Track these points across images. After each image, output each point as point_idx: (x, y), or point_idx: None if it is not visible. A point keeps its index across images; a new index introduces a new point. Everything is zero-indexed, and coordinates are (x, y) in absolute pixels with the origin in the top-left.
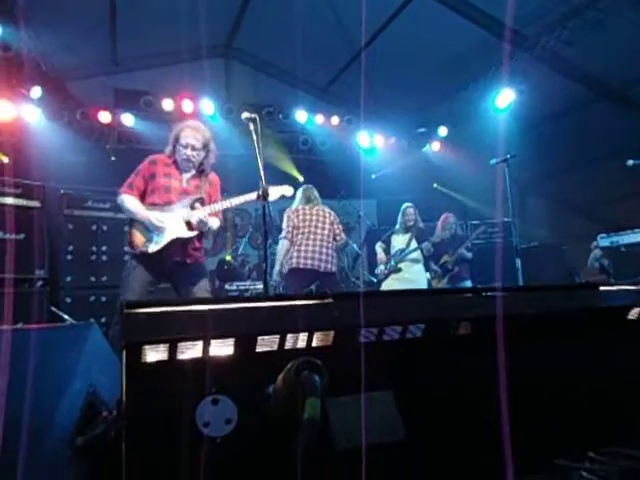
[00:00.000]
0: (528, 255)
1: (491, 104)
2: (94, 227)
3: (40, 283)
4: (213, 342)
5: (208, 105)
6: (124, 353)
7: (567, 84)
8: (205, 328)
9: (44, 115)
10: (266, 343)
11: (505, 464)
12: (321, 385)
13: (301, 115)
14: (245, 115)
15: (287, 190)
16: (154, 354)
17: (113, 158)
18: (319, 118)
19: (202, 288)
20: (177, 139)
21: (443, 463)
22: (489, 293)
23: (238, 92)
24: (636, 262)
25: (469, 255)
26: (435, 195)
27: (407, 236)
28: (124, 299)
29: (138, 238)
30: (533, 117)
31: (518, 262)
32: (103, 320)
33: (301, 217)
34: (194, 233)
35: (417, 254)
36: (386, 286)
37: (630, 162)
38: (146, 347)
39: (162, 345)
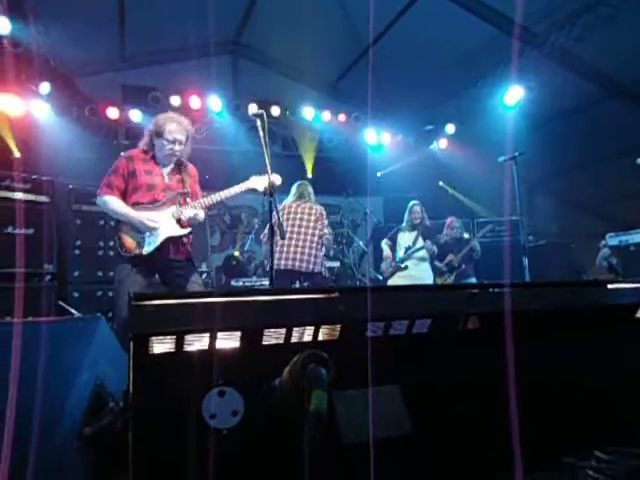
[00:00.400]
0: (536, 253)
1: (499, 101)
2: (101, 222)
3: (49, 277)
4: (220, 335)
5: (215, 102)
6: (131, 344)
7: (577, 81)
8: (212, 320)
9: (53, 111)
10: (272, 336)
11: (512, 461)
12: (327, 378)
13: (308, 112)
14: (252, 111)
15: (275, 179)
16: (161, 346)
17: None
18: (326, 115)
19: (195, 283)
20: (160, 134)
21: (449, 458)
22: (497, 289)
23: (245, 89)
24: None
25: (478, 247)
26: (442, 193)
27: (414, 234)
28: (121, 312)
29: (129, 241)
30: (542, 115)
31: (525, 260)
32: (110, 314)
33: (286, 216)
34: (187, 230)
35: (424, 252)
36: (392, 283)
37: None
38: (153, 339)
39: (169, 337)
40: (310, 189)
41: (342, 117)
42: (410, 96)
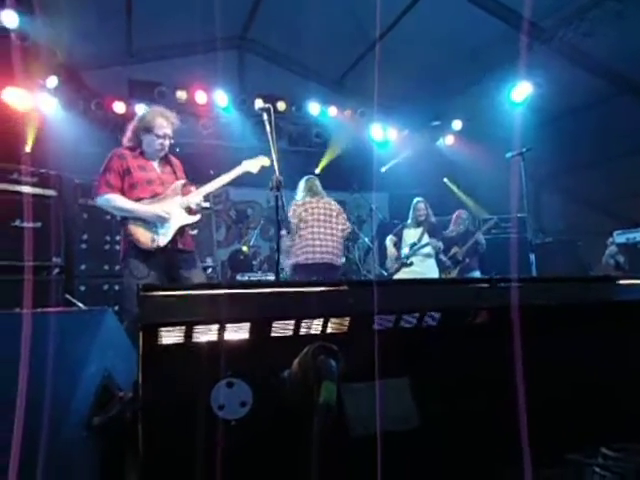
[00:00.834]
0: (542, 251)
1: (507, 97)
2: (108, 217)
3: (57, 271)
4: (229, 326)
5: (221, 97)
6: (140, 335)
7: (587, 77)
8: (221, 312)
9: (60, 105)
10: (281, 328)
11: (519, 456)
12: (337, 370)
13: (314, 107)
14: (259, 105)
15: (264, 160)
16: (170, 336)
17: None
18: (332, 110)
19: (198, 276)
20: (149, 129)
21: (457, 452)
22: (506, 283)
23: (252, 84)
24: None
25: (483, 241)
26: (448, 189)
27: (419, 230)
28: (133, 308)
29: (143, 235)
30: (551, 111)
31: (532, 257)
32: (116, 308)
33: (309, 210)
34: (197, 217)
35: (429, 249)
36: None
37: None
38: (162, 329)
39: (178, 328)
40: (318, 184)
41: (348, 112)
42: (417, 92)
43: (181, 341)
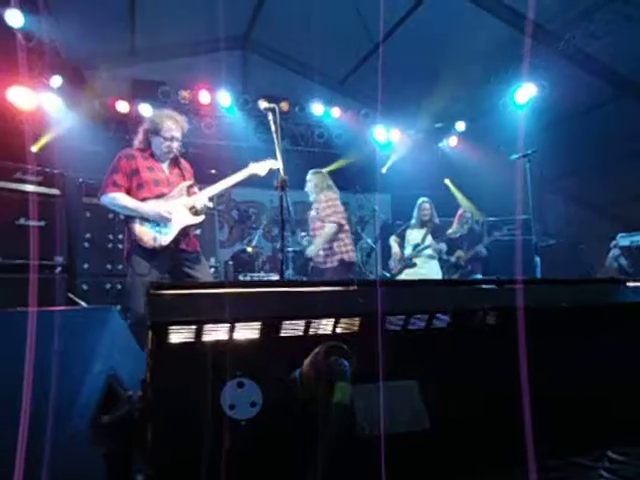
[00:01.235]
0: (545, 253)
1: (511, 99)
2: (111, 216)
3: (59, 269)
4: (239, 325)
5: (225, 97)
6: (150, 333)
7: (591, 80)
8: (231, 311)
9: (64, 104)
10: (291, 328)
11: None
12: (349, 370)
13: (317, 108)
14: (264, 105)
15: (272, 163)
16: (180, 335)
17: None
18: (335, 111)
19: (203, 271)
20: (157, 132)
21: (464, 454)
22: (514, 285)
23: (255, 84)
24: None
25: (485, 252)
26: (450, 190)
27: (423, 231)
28: (138, 308)
29: (145, 233)
30: (555, 113)
31: (537, 260)
32: (118, 307)
33: (343, 207)
34: (201, 218)
35: (432, 250)
36: None
37: None
38: (172, 328)
39: (188, 327)
40: None
41: (351, 113)
42: (420, 93)
43: (191, 340)
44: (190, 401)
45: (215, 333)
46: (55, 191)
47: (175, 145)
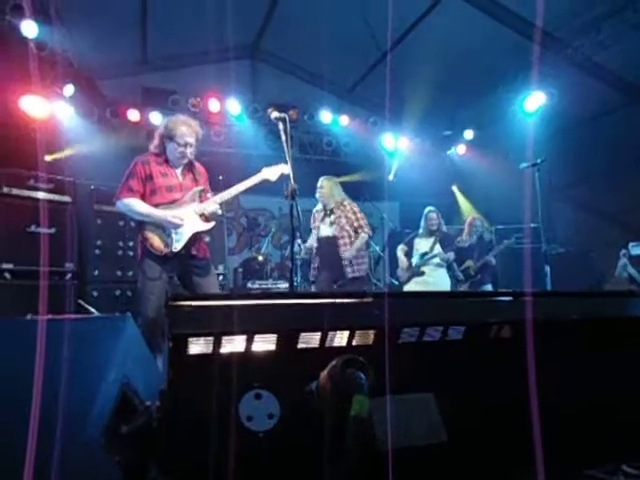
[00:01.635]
0: (556, 261)
1: (520, 107)
2: (121, 223)
3: (70, 276)
4: (256, 337)
5: (234, 105)
6: (169, 345)
7: (600, 87)
8: (249, 323)
9: (76, 112)
10: (307, 340)
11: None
12: (367, 383)
13: (326, 116)
14: (275, 115)
15: (283, 168)
16: (198, 347)
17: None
18: (344, 119)
19: (212, 284)
20: (171, 137)
21: (482, 466)
22: (529, 297)
23: (264, 93)
24: None
25: (493, 261)
26: (456, 198)
27: (431, 240)
28: (147, 311)
29: (157, 240)
30: (564, 121)
31: (547, 268)
32: (129, 314)
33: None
34: (211, 224)
35: (440, 259)
36: (408, 289)
37: None
38: (191, 339)
39: (207, 338)
40: None
41: (359, 122)
42: (429, 101)
43: (209, 351)
44: (208, 412)
45: (233, 345)
46: (66, 198)
47: (189, 151)
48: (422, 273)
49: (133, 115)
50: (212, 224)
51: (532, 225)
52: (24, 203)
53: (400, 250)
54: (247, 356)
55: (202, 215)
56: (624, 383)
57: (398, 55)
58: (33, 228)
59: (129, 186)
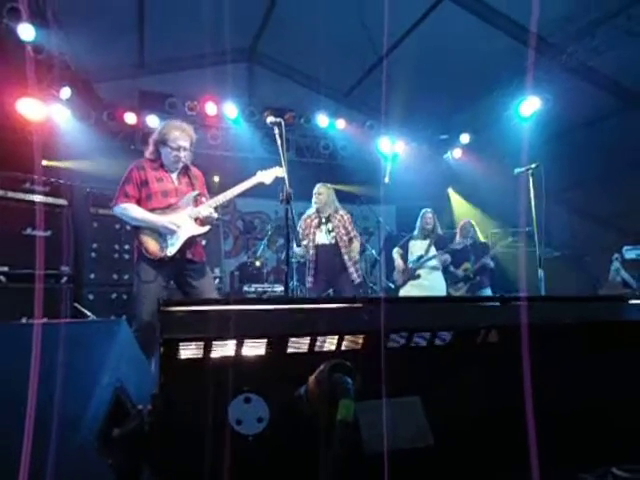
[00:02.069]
0: (550, 265)
1: (515, 112)
2: (117, 226)
3: (65, 279)
4: (246, 342)
5: (231, 108)
6: (161, 349)
7: (595, 92)
8: (239, 328)
9: (73, 115)
10: (297, 345)
11: (530, 476)
12: (353, 388)
13: (322, 120)
14: (270, 119)
15: (278, 171)
16: (189, 351)
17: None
18: (340, 123)
19: (209, 287)
20: (164, 141)
21: (468, 471)
22: (517, 302)
23: (260, 96)
24: None
25: (491, 264)
26: (451, 201)
27: (426, 242)
28: (141, 314)
29: (152, 244)
30: (559, 126)
31: (541, 272)
32: (124, 318)
33: None
34: (206, 228)
35: (436, 261)
36: (404, 293)
37: None
38: (182, 344)
39: (197, 343)
40: None
41: (356, 125)
42: (425, 105)
43: (200, 356)
44: (199, 416)
45: (223, 349)
46: (62, 201)
47: (183, 154)
48: (418, 276)
49: (130, 118)
50: (207, 228)
51: (527, 229)
52: (20, 206)
53: (396, 253)
54: (237, 361)
55: (197, 219)
56: (614, 387)
57: (394, 59)
58: (29, 231)
59: (125, 191)
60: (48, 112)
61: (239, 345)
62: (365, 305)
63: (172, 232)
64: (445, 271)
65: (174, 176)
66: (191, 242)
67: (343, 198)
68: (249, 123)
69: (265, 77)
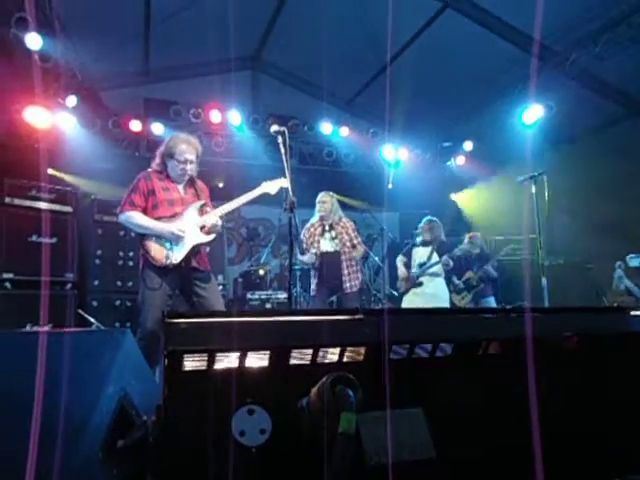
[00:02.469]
0: (554, 274)
1: (518, 119)
2: (122, 233)
3: (70, 286)
4: (249, 354)
5: (235, 116)
6: (165, 361)
7: (598, 100)
8: (242, 340)
9: (78, 123)
10: (299, 356)
11: None
12: (355, 400)
13: (326, 127)
14: (274, 128)
15: (283, 182)
16: (193, 363)
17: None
18: (344, 130)
19: (215, 295)
20: (171, 155)
21: None
22: (519, 314)
23: (264, 104)
24: None
25: (494, 273)
26: (458, 209)
27: (428, 249)
28: (146, 322)
29: (158, 251)
30: (562, 133)
31: (544, 281)
32: (128, 325)
33: None
34: (212, 237)
35: (437, 267)
36: (407, 301)
37: None
38: (186, 356)
39: (201, 355)
40: None
41: (359, 132)
42: (428, 112)
43: (204, 367)
44: (203, 427)
45: (226, 361)
46: (68, 208)
47: (189, 167)
48: (420, 284)
49: (135, 126)
50: (213, 236)
51: (530, 236)
52: (26, 213)
53: (399, 261)
54: (240, 372)
55: (203, 227)
56: (619, 398)
57: (398, 67)
58: (35, 238)
59: (131, 200)
60: (54, 120)
61: (242, 357)
62: (367, 317)
63: (178, 239)
64: (448, 281)
65: (180, 187)
66: (196, 250)
67: (346, 206)
68: (253, 130)
69: (269, 85)
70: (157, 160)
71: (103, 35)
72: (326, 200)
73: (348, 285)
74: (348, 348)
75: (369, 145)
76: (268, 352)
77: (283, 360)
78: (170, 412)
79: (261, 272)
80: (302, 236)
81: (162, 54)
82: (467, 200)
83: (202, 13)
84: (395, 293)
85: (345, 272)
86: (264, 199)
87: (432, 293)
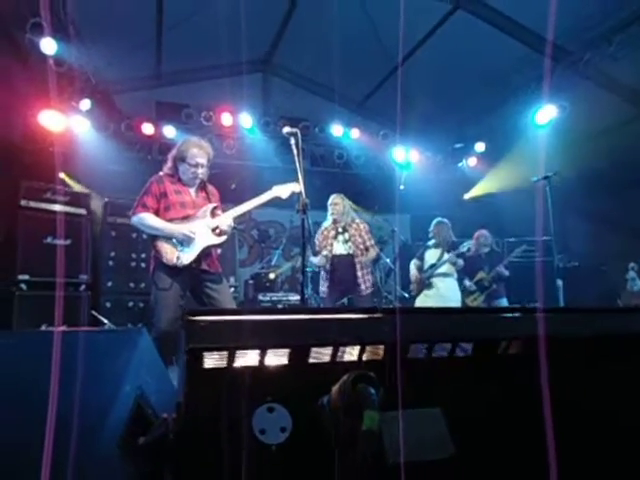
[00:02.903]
0: (569, 275)
1: (531, 120)
2: (134, 235)
3: (84, 287)
4: (269, 351)
5: (246, 119)
6: (185, 359)
7: (612, 100)
8: (262, 338)
9: (92, 126)
10: (319, 355)
11: None
12: (377, 398)
13: (337, 129)
14: (286, 130)
15: (294, 187)
16: (213, 361)
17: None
18: (355, 132)
19: (226, 296)
20: (183, 159)
21: None
22: (538, 313)
23: (275, 106)
24: None
25: (506, 273)
26: (470, 211)
27: (438, 251)
28: (160, 322)
29: (169, 252)
30: (576, 133)
31: (559, 282)
32: (140, 325)
33: None
34: (223, 239)
35: (447, 267)
36: (419, 302)
37: None
38: (206, 353)
39: (221, 352)
40: None
41: (370, 134)
42: (440, 114)
43: (224, 365)
44: (223, 425)
45: (246, 359)
46: (81, 211)
47: (200, 171)
48: (430, 285)
49: (147, 129)
50: (224, 238)
51: (544, 238)
52: (41, 215)
53: (413, 265)
54: (260, 370)
55: (215, 229)
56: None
57: (409, 69)
58: (49, 240)
59: (143, 202)
60: (68, 123)
61: (262, 355)
62: (385, 315)
63: (190, 240)
64: (459, 283)
65: (192, 190)
66: (207, 252)
67: (358, 207)
68: (264, 133)
69: (280, 87)
70: (169, 163)
71: (116, 40)
72: (338, 202)
73: (363, 287)
74: (367, 347)
75: (380, 147)
76: (288, 350)
77: (303, 358)
78: (190, 409)
79: (272, 276)
80: (315, 239)
81: (174, 58)
82: (479, 201)
83: (213, 17)
84: (406, 295)
85: (359, 274)
86: (275, 201)
87: (443, 294)
